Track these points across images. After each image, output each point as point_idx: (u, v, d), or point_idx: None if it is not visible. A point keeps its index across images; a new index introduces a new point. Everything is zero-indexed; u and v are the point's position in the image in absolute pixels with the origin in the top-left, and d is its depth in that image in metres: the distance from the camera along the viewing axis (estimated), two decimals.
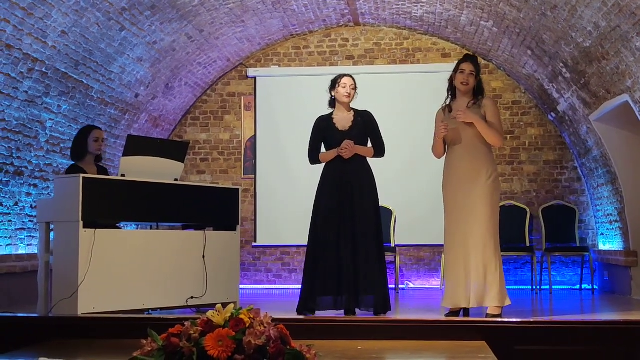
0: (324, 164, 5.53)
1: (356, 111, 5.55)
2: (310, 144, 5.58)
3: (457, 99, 5.36)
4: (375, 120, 5.57)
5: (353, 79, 5.50)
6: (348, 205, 5.33)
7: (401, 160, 8.64)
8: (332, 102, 5.58)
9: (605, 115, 7.05)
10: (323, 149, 5.56)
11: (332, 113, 5.58)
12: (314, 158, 5.56)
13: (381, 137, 5.55)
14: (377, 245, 5.36)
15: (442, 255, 7.99)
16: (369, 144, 5.54)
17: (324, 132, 5.53)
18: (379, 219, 5.48)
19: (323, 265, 5.28)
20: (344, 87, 5.44)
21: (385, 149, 5.56)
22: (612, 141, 7.28)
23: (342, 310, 5.28)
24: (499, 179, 5.32)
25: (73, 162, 5.96)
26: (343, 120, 5.50)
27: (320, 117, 5.61)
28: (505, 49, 8.15)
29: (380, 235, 5.45)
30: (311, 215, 5.47)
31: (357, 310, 5.29)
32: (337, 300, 5.30)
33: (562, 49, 6.98)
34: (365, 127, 5.51)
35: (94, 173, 5.82)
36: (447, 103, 5.41)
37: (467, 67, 5.28)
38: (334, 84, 5.50)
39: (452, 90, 5.39)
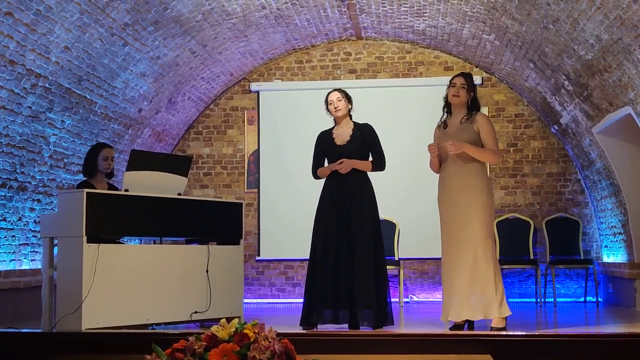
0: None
1: (356, 124, 5.59)
2: (313, 159, 5.66)
3: (452, 115, 5.45)
4: (375, 133, 5.58)
5: (339, 91, 5.56)
6: (345, 220, 5.35)
7: (403, 173, 8.64)
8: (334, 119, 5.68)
9: (608, 127, 7.05)
10: (327, 163, 5.59)
11: (332, 127, 5.65)
12: (315, 173, 5.64)
13: (381, 150, 5.55)
14: (375, 259, 5.34)
15: None
16: (370, 157, 5.56)
17: (323, 146, 5.60)
18: (379, 233, 5.46)
19: (322, 281, 5.31)
20: (331, 104, 5.55)
21: (386, 163, 5.57)
22: (615, 153, 7.29)
23: (346, 325, 5.28)
24: (492, 192, 5.40)
25: (85, 179, 5.97)
26: (342, 134, 5.55)
27: (322, 132, 5.69)
28: (508, 62, 8.17)
29: (380, 249, 5.43)
30: (312, 229, 5.52)
31: (360, 324, 5.28)
32: (338, 315, 5.31)
33: (564, 62, 6.99)
34: (365, 140, 5.52)
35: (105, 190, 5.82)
36: (443, 119, 5.48)
37: (458, 80, 5.39)
38: (325, 103, 5.60)
39: (447, 107, 5.48)
